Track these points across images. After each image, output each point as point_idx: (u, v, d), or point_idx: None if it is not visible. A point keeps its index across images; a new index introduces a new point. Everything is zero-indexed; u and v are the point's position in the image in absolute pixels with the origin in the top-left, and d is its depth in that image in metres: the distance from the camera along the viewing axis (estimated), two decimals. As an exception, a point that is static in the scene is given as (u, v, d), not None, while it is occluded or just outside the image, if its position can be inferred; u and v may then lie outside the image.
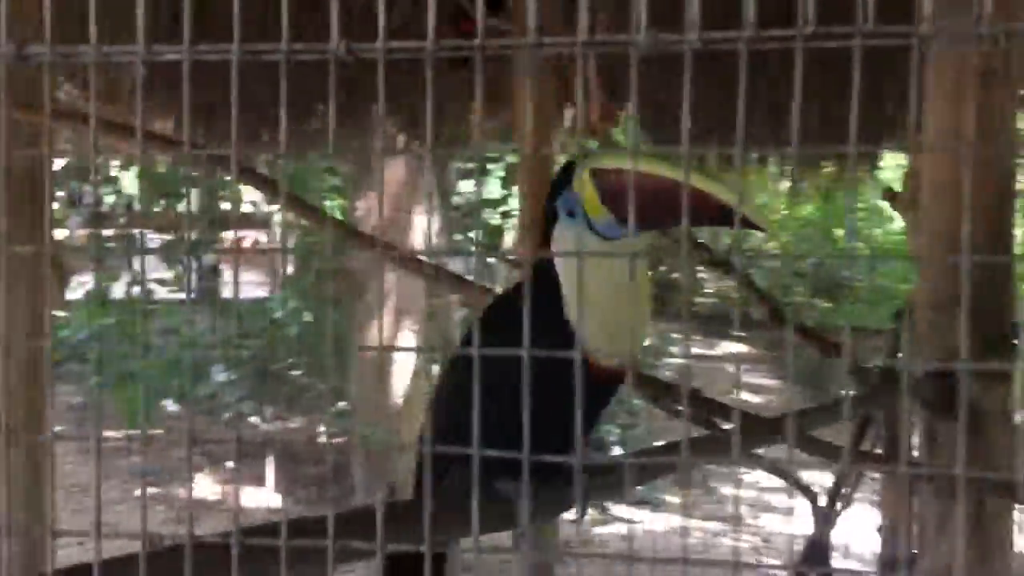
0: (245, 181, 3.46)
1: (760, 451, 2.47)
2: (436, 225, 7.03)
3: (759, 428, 2.16)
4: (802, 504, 2.71)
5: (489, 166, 8.59)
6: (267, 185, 3.38)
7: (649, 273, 1.66)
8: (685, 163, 1.39)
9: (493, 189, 9.19)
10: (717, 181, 1.41)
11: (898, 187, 2.99)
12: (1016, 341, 2.32)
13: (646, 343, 1.63)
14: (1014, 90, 2.48)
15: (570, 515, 1.66)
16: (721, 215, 1.42)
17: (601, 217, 1.49)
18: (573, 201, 1.51)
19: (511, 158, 7.99)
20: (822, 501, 2.77)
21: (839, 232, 12.45)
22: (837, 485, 2.74)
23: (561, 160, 1.72)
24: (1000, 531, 2.31)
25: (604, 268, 1.49)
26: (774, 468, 2.99)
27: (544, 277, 1.53)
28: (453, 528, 1.38)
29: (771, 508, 7.45)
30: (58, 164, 8.06)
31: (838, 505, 2.78)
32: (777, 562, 6.93)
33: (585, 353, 1.46)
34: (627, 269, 1.48)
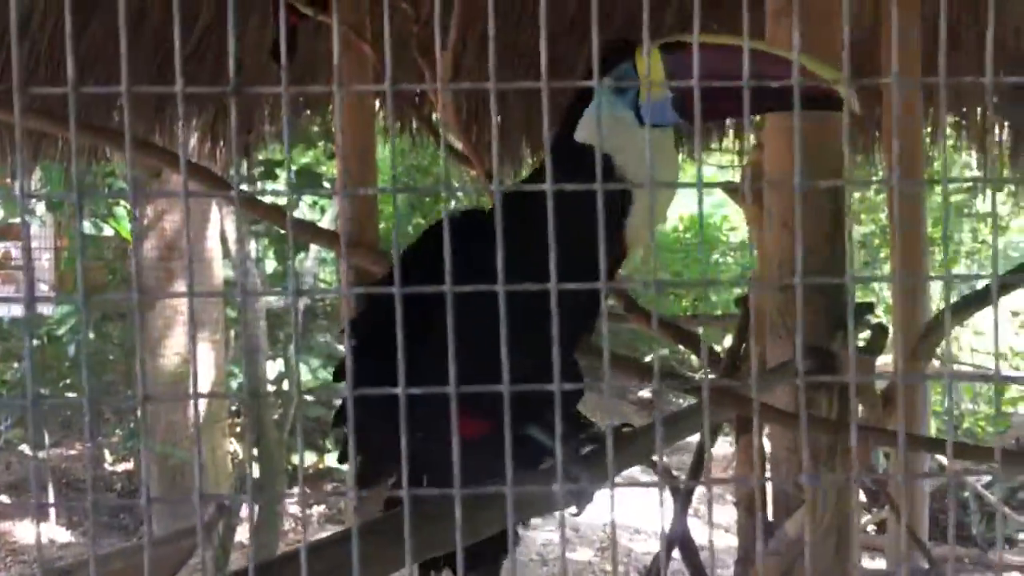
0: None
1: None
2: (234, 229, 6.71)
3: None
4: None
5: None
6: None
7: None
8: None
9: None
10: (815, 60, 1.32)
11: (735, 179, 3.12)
12: (868, 317, 2.49)
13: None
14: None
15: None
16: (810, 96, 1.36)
17: (656, 98, 1.41)
18: (627, 78, 1.42)
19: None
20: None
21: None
22: (694, 471, 2.83)
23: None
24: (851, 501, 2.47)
25: (643, 148, 1.40)
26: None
27: (576, 159, 1.41)
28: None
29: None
30: None
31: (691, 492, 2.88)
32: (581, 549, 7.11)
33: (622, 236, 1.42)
34: (664, 152, 1.46)
